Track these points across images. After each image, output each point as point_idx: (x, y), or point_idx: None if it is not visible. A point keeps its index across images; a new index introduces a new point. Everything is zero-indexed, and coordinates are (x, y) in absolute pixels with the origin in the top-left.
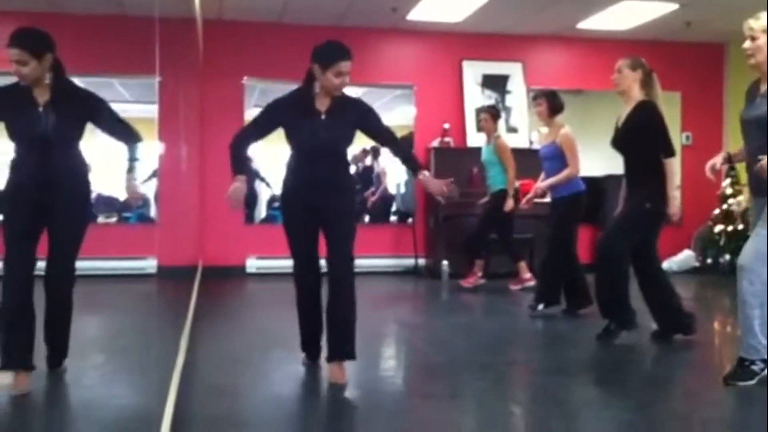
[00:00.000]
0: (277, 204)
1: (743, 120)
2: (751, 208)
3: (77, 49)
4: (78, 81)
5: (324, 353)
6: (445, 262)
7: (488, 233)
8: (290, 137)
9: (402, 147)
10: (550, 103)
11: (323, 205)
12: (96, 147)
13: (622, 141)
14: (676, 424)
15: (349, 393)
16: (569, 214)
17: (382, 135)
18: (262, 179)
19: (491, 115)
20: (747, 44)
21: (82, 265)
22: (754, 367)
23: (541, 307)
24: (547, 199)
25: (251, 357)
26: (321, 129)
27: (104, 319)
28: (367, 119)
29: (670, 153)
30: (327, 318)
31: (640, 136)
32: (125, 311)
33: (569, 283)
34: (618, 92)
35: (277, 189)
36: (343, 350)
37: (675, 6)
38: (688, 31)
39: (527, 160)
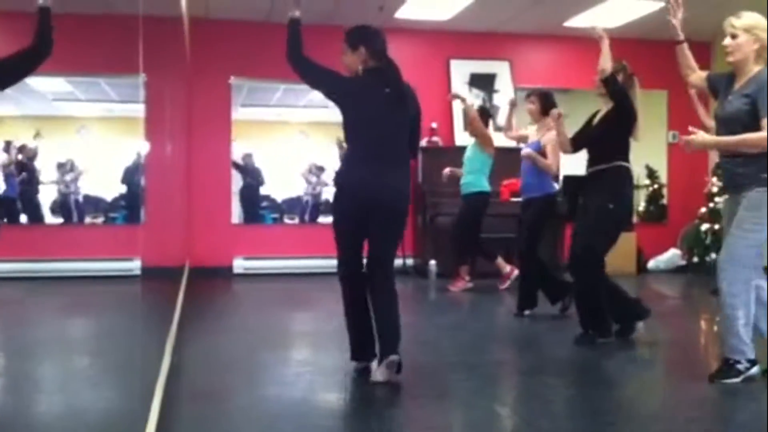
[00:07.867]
0: (265, 203)
1: (716, 116)
2: (724, 206)
3: (63, 48)
4: (64, 80)
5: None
6: (432, 262)
7: (465, 235)
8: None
9: None
10: (542, 103)
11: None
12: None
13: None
14: (659, 422)
15: (336, 393)
16: (540, 217)
17: None
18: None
19: (481, 117)
20: (727, 41)
21: (67, 266)
22: (739, 366)
23: (527, 312)
24: (519, 199)
25: (238, 359)
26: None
27: (89, 321)
28: None
29: None
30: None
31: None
32: (110, 313)
33: (547, 286)
34: (598, 95)
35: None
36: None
37: (661, 4)
38: None
39: (514, 160)
